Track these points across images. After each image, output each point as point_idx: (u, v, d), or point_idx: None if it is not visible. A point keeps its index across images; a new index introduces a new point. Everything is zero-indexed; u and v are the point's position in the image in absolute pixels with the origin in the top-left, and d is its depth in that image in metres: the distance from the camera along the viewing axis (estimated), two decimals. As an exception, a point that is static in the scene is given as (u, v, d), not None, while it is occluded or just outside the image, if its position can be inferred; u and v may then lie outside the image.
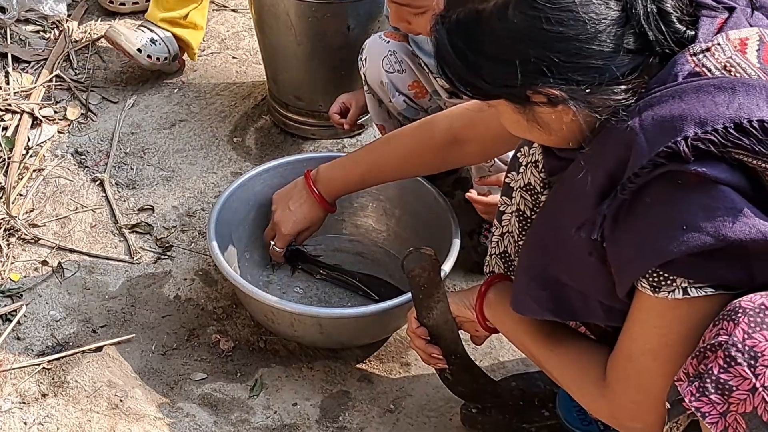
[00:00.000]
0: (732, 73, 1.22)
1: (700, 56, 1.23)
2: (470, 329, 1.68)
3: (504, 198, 1.63)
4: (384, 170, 1.94)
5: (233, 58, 2.90)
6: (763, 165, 1.17)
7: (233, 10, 3.12)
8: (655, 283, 1.24)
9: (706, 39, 1.24)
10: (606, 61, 1.21)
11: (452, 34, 1.27)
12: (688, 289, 1.22)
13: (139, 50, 2.64)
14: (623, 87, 1.22)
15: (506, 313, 1.52)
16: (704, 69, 1.22)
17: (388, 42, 2.12)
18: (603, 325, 1.46)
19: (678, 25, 1.24)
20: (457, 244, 1.99)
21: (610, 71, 1.21)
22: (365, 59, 2.17)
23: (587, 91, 1.21)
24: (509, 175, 1.62)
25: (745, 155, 1.17)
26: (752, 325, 1.14)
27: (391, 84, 2.12)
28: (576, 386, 1.46)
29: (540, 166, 1.55)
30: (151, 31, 2.67)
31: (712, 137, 1.16)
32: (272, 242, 2.05)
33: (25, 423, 1.82)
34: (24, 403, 1.86)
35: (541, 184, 1.56)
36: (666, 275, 1.22)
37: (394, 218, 2.25)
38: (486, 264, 1.70)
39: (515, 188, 1.61)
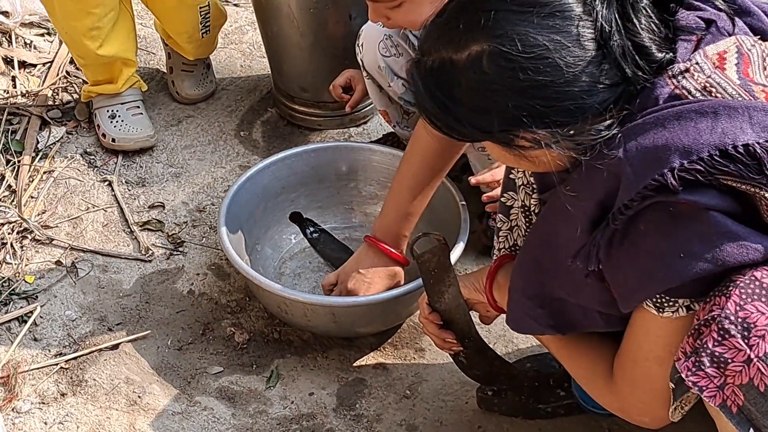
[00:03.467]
0: (713, 94, 1.20)
1: (680, 78, 1.21)
2: (481, 310, 1.68)
3: (510, 193, 1.63)
4: (419, 188, 1.89)
5: (238, 52, 2.91)
6: (753, 189, 1.15)
7: (235, 5, 3.13)
8: (658, 305, 1.24)
9: (684, 58, 1.23)
10: (586, 100, 1.18)
11: (428, 82, 1.24)
12: (691, 306, 1.23)
13: (214, 89, 2.72)
14: (606, 123, 1.20)
15: None
16: (684, 91, 1.20)
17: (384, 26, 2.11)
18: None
19: (657, 55, 1.21)
20: (466, 228, 1.99)
21: (592, 108, 1.19)
22: (362, 45, 2.16)
23: (570, 132, 1.20)
24: (505, 195, 1.64)
25: (733, 181, 1.15)
26: (744, 296, 1.14)
27: (389, 68, 2.11)
28: (585, 379, 1.47)
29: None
30: (203, 61, 2.70)
31: (698, 166, 1.14)
32: None
33: (45, 423, 1.84)
34: (43, 403, 1.88)
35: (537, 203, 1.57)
36: (668, 298, 1.23)
37: (403, 205, 2.25)
38: (495, 257, 1.70)
39: (519, 184, 1.61)
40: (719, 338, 1.15)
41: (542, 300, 1.40)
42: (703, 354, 1.16)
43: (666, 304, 1.24)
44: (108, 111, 2.52)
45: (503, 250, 1.68)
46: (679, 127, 1.17)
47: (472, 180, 2.01)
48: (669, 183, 1.14)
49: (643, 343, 1.30)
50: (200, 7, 2.52)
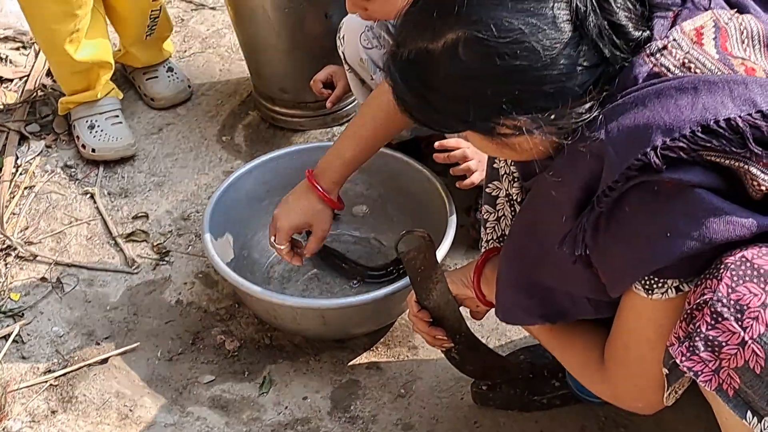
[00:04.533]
0: (692, 70, 1.18)
1: (657, 55, 1.20)
2: (471, 305, 1.66)
3: (495, 183, 1.62)
4: (364, 139, 1.89)
5: (216, 56, 2.88)
6: (737, 164, 1.14)
7: (212, 8, 3.10)
8: (647, 287, 1.23)
9: (661, 35, 1.21)
10: (566, 83, 1.17)
11: (405, 73, 1.23)
12: (680, 286, 1.22)
13: (187, 87, 2.69)
14: (587, 105, 1.19)
15: None
16: (663, 68, 1.19)
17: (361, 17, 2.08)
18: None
19: (634, 33, 1.20)
20: (453, 222, 1.97)
21: (572, 91, 1.18)
22: (343, 37, 2.14)
23: (552, 117, 1.18)
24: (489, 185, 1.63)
25: (716, 156, 1.14)
26: (735, 278, 1.13)
27: (371, 60, 2.08)
28: (577, 368, 1.46)
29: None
30: (161, 65, 2.68)
31: (681, 143, 1.13)
32: (273, 238, 1.97)
33: (37, 441, 1.82)
34: (34, 421, 1.86)
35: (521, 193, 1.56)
36: (657, 279, 1.22)
37: (389, 203, 2.23)
38: (483, 249, 1.69)
39: (503, 173, 1.60)
40: (712, 321, 1.13)
41: (530, 289, 1.39)
42: (697, 338, 1.14)
43: (655, 286, 1.22)
44: (87, 121, 2.50)
45: (492, 241, 1.66)
46: (660, 105, 1.15)
47: (436, 143, 1.99)
48: (652, 162, 1.13)
49: (633, 327, 1.29)
50: (152, 10, 2.53)
